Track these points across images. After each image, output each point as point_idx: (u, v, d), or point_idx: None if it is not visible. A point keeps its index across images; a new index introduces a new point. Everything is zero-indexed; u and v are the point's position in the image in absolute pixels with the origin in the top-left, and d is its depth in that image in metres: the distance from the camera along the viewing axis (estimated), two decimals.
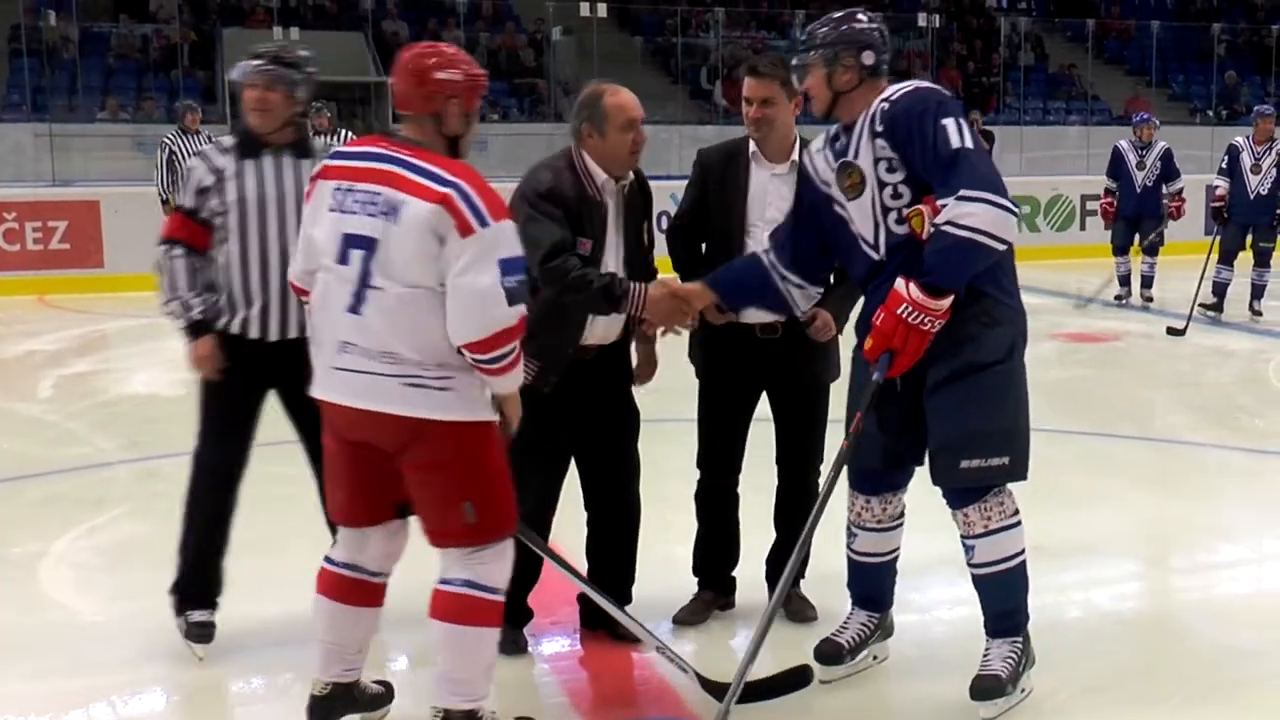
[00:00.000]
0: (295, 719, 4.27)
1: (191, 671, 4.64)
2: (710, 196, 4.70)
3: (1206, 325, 12.17)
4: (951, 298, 3.84)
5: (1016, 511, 4.11)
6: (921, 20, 25.58)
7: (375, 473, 3.77)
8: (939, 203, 3.84)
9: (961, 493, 4.07)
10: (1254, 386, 9.95)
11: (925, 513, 4.41)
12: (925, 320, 3.83)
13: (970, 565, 4.15)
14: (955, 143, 3.87)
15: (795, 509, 4.71)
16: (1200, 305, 12.09)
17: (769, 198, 4.60)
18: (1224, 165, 12.80)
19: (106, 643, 4.89)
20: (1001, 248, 3.85)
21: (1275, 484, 7.21)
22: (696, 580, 4.93)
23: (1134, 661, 4.65)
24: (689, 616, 4.84)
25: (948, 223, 3.79)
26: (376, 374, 3.61)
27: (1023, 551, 4.12)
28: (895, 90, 4.06)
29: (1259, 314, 12.69)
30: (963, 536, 4.13)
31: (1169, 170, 13.48)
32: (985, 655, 4.17)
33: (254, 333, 4.66)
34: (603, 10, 22.64)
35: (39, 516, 5.86)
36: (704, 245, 4.77)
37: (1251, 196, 12.50)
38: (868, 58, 4.11)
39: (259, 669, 4.66)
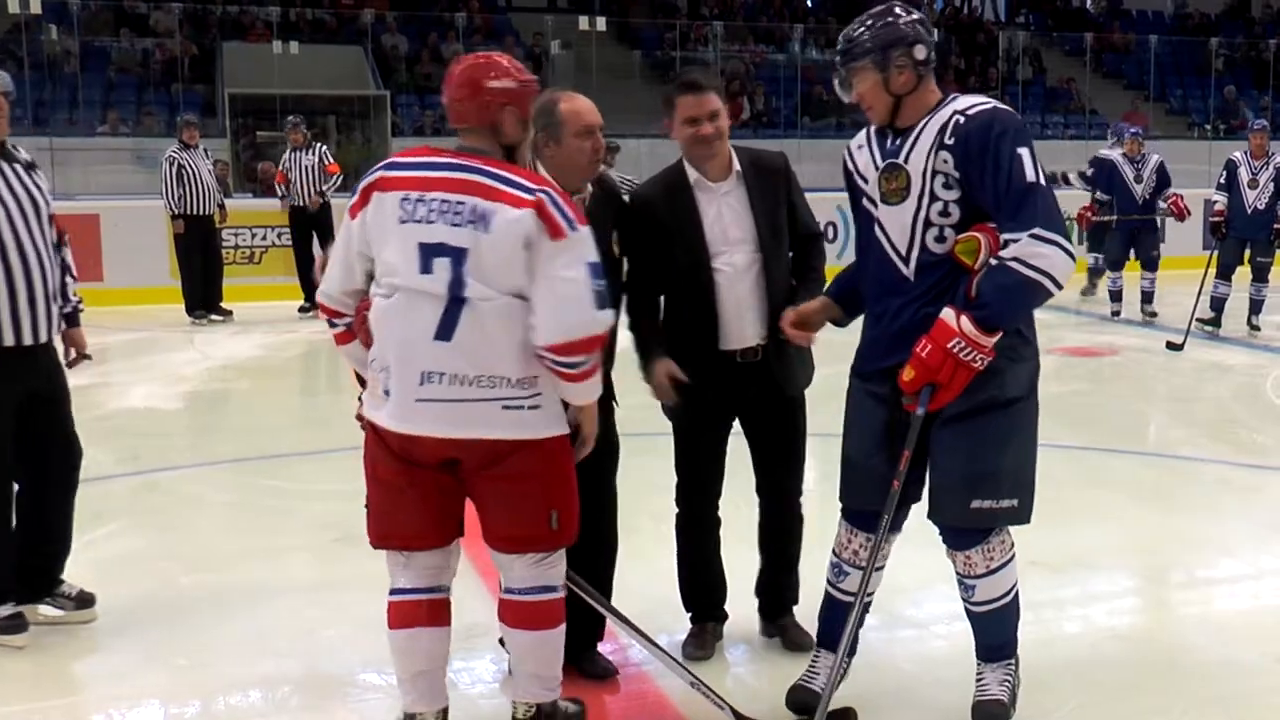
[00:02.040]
0: None
1: (187, 684, 4.64)
2: (666, 236, 4.48)
3: (1204, 340, 12.18)
4: (1000, 334, 3.73)
5: (1013, 544, 4.04)
6: None
7: (448, 493, 3.76)
8: (1005, 236, 3.71)
9: (966, 533, 3.95)
10: (1252, 401, 9.95)
11: (920, 530, 4.39)
12: (976, 357, 3.69)
13: (969, 603, 4.07)
14: (1030, 176, 3.73)
15: (782, 532, 4.71)
16: (1198, 320, 12.10)
17: (726, 220, 4.46)
18: (1222, 180, 12.81)
19: (103, 655, 4.90)
20: (1057, 292, 3.74)
21: (1273, 499, 7.21)
22: (689, 615, 4.82)
23: (1132, 676, 4.64)
24: (698, 651, 4.68)
25: (1016, 259, 3.66)
26: (471, 400, 3.58)
27: (1016, 580, 4.07)
28: (971, 104, 3.89)
29: (1257, 329, 12.69)
30: (962, 576, 4.04)
31: (1164, 181, 13.54)
32: (981, 680, 4.13)
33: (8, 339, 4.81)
34: (601, 24, 22.63)
35: None
36: (661, 293, 4.58)
37: (1249, 211, 12.51)
38: (920, 52, 3.90)
39: (258, 682, 4.65)
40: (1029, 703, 4.28)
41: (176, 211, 13.64)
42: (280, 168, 14.69)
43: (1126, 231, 13.68)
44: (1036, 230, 3.66)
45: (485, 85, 3.69)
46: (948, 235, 3.84)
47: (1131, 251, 13.74)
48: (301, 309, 14.24)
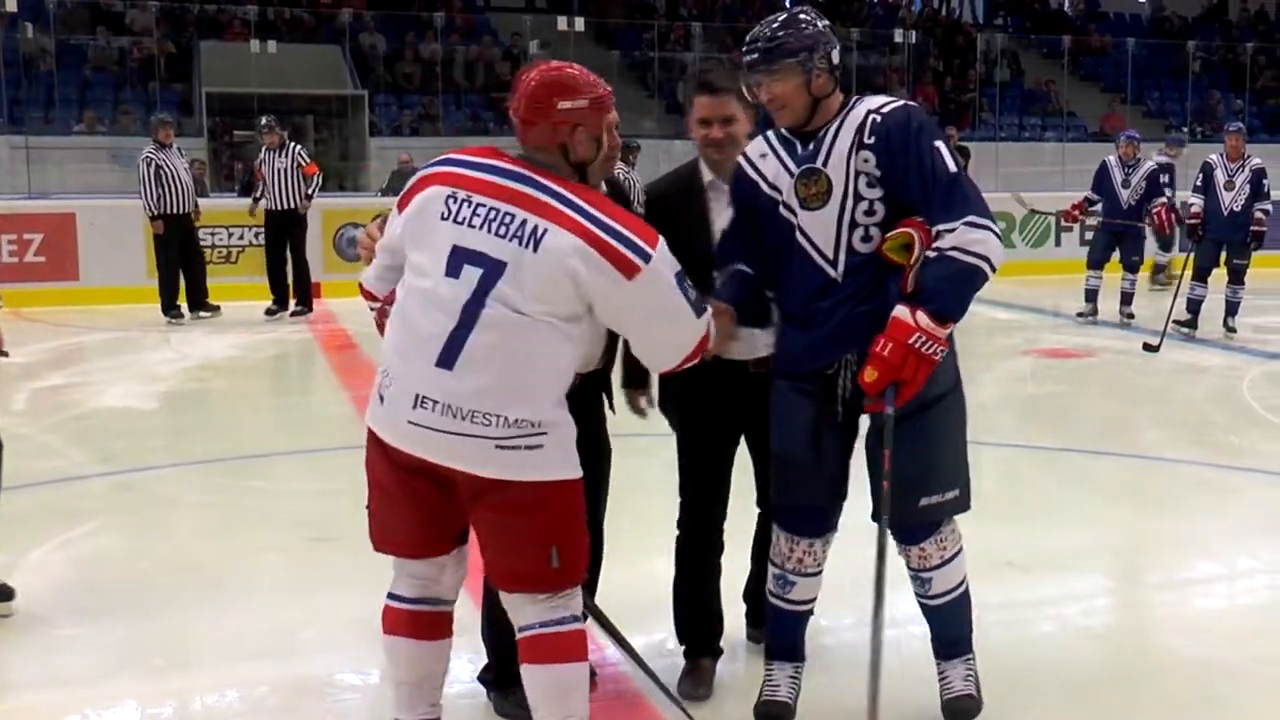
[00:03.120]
0: None
1: (164, 685, 4.63)
2: (676, 235, 3.94)
3: (1181, 342, 12.21)
4: (952, 325, 3.75)
5: (960, 535, 4.10)
6: (898, 36, 25.65)
7: (443, 504, 3.52)
8: (939, 227, 3.73)
9: (917, 529, 4.01)
10: (1227, 403, 9.98)
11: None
12: (936, 350, 3.70)
13: (925, 597, 4.12)
14: (952, 166, 3.79)
15: None
16: (1175, 322, 12.12)
17: None
18: (1198, 183, 12.84)
19: (79, 656, 4.87)
20: (992, 275, 3.77)
21: (1249, 500, 7.23)
22: (684, 649, 4.56)
23: (1108, 677, 4.65)
24: (696, 689, 4.41)
25: (955, 248, 3.69)
26: (462, 435, 3.35)
27: (965, 571, 4.13)
28: (883, 102, 3.90)
29: (1233, 330, 12.74)
30: (916, 571, 4.09)
31: (1155, 189, 13.50)
32: (944, 678, 4.18)
33: None
34: (580, 24, 22.62)
35: (11, 529, 5.82)
36: None
37: (1225, 213, 12.55)
38: (835, 56, 3.91)
39: (235, 683, 4.63)
40: (1003, 702, 4.29)
41: (156, 212, 13.57)
42: (258, 168, 14.56)
43: (1110, 234, 13.67)
44: (970, 218, 3.71)
45: (557, 107, 3.46)
46: (873, 234, 3.85)
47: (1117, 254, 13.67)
48: (268, 311, 14.15)
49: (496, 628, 4.01)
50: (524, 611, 3.55)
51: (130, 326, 13.40)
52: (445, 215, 3.41)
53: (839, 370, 3.92)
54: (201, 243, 14.53)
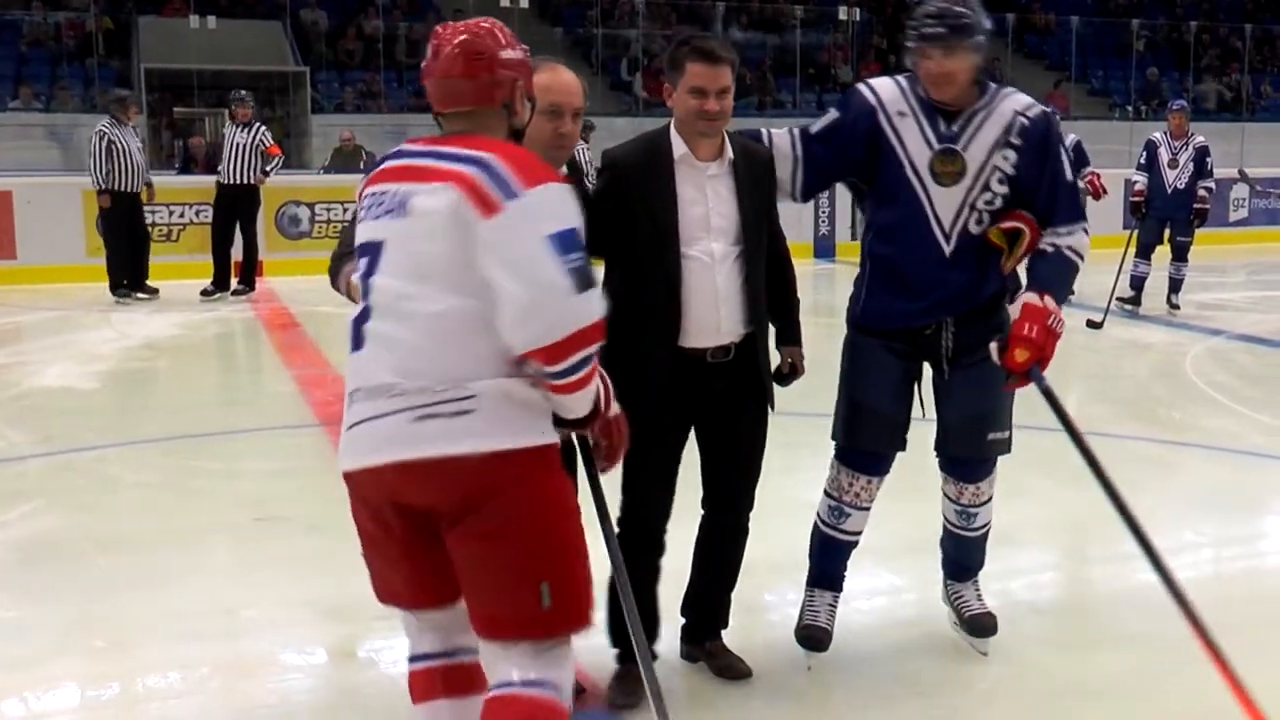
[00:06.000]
0: (211, 715, 4.24)
1: (105, 667, 4.59)
2: (633, 207, 3.99)
3: (1124, 319, 12.31)
4: None
5: None
6: (842, 14, 25.56)
7: (427, 545, 3.03)
8: (1059, 229, 4.16)
9: (979, 464, 4.39)
10: (1170, 379, 10.06)
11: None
12: (1061, 326, 4.12)
13: (968, 530, 4.50)
14: (1071, 175, 4.24)
15: (731, 548, 4.32)
16: (1118, 299, 12.22)
17: (710, 204, 4.00)
18: (1142, 160, 12.93)
19: (19, 639, 4.81)
20: None
21: (1191, 475, 7.30)
22: (616, 653, 4.22)
23: (1052, 651, 4.69)
24: (627, 699, 4.11)
25: (1070, 249, 4.18)
26: (382, 416, 2.92)
27: None
28: (1026, 104, 4.21)
29: (1176, 307, 12.85)
30: (967, 506, 4.45)
31: (1082, 160, 13.61)
32: (960, 597, 4.59)
33: None
34: (524, 1, 22.52)
35: None
36: (620, 272, 4.05)
37: (1169, 191, 12.64)
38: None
39: (177, 663, 4.59)
40: (948, 677, 4.34)
41: (104, 186, 13.31)
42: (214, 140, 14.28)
43: None
44: (1084, 224, 4.21)
45: (500, 58, 3.11)
46: (985, 219, 4.16)
47: None
48: (204, 292, 13.94)
49: None
50: (498, 663, 3.02)
51: (70, 306, 13.24)
52: (363, 218, 3.13)
53: (938, 331, 4.25)
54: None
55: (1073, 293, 4.82)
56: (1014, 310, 4.13)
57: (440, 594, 3.11)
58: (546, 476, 3.01)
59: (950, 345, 4.26)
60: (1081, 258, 4.22)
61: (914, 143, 4.16)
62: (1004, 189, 4.14)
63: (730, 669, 4.36)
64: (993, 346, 4.09)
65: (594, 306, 2.94)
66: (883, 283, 4.28)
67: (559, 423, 3.06)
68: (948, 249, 4.17)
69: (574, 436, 3.28)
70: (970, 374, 4.25)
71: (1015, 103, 4.19)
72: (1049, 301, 4.11)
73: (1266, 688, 3.59)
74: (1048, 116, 4.22)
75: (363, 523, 3.13)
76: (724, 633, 4.43)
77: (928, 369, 4.34)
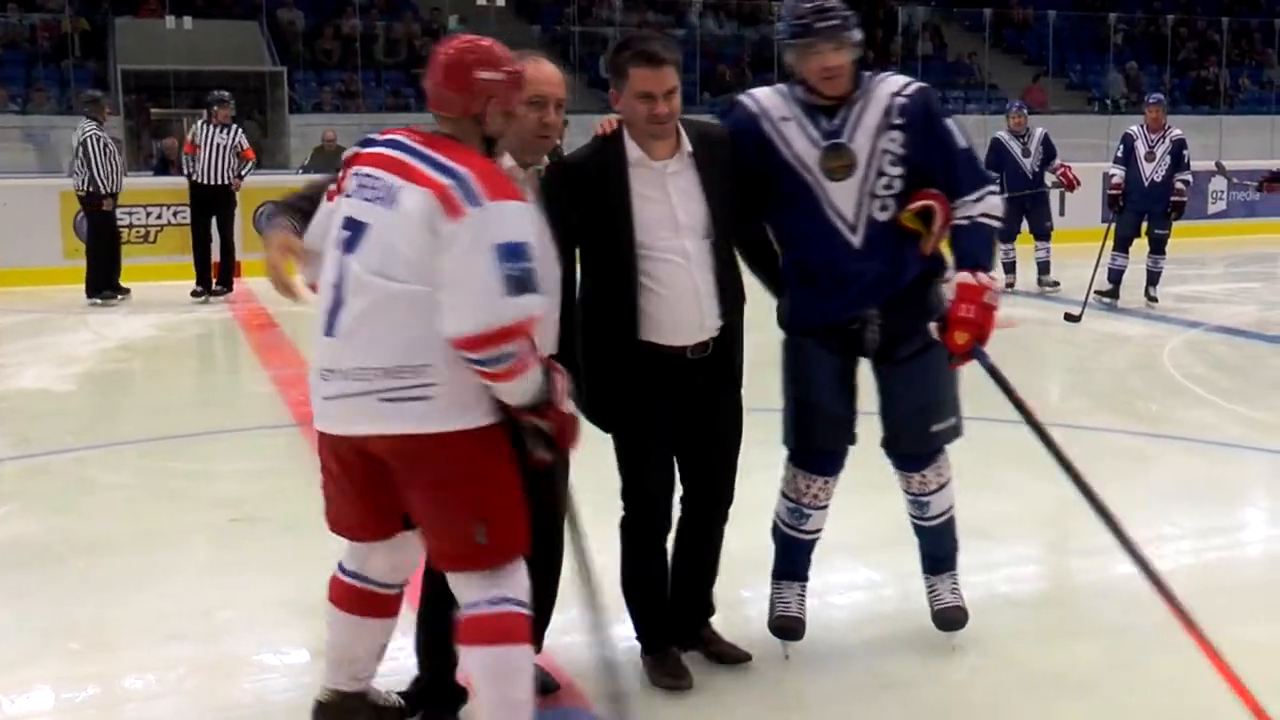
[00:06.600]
0: (189, 715, 4.24)
1: (83, 668, 4.57)
2: (586, 210, 3.99)
3: (1102, 312, 12.32)
4: None
5: (950, 463, 4.51)
6: None
7: (377, 487, 3.52)
8: (966, 199, 4.17)
9: (925, 456, 4.41)
10: (1148, 372, 10.08)
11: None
12: (996, 299, 4.16)
13: (923, 520, 4.51)
14: (963, 142, 4.24)
15: (712, 541, 4.34)
16: (1096, 292, 12.25)
17: (675, 202, 4.00)
18: (1119, 154, 12.95)
19: None
20: None
21: (1169, 467, 7.31)
22: (643, 644, 4.33)
23: (1030, 643, 4.70)
24: (678, 681, 4.23)
25: (984, 215, 4.20)
26: (352, 395, 3.38)
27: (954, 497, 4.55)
28: (901, 84, 4.24)
29: (1154, 300, 12.87)
30: (917, 495, 4.47)
31: (1051, 153, 13.67)
32: (934, 590, 4.57)
33: None
34: None
35: None
36: (587, 274, 4.07)
37: (1146, 184, 12.67)
38: None
39: (155, 664, 4.59)
40: (925, 669, 4.36)
41: (107, 190, 13.33)
42: (190, 140, 14.25)
43: (1018, 205, 13.67)
44: (989, 187, 4.25)
45: (476, 76, 3.47)
46: (890, 205, 4.17)
47: (1025, 225, 13.80)
48: (194, 293, 13.92)
49: (428, 629, 3.89)
50: (461, 591, 3.53)
51: (47, 308, 13.19)
52: (350, 192, 3.50)
53: (863, 325, 4.25)
54: (119, 223, 14.22)
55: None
56: (948, 290, 4.18)
57: (379, 529, 3.64)
58: (488, 442, 3.45)
59: (878, 338, 4.27)
60: (998, 219, 4.25)
61: (800, 144, 4.19)
62: (898, 170, 4.16)
63: (728, 655, 4.42)
64: (933, 326, 4.18)
65: (521, 309, 3.30)
66: (803, 284, 4.33)
67: (520, 410, 3.48)
68: (856, 241, 4.18)
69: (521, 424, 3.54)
70: (908, 368, 4.29)
71: (891, 85, 4.23)
72: (981, 277, 4.14)
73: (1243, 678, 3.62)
74: (925, 91, 4.26)
75: (325, 460, 3.61)
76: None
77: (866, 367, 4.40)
